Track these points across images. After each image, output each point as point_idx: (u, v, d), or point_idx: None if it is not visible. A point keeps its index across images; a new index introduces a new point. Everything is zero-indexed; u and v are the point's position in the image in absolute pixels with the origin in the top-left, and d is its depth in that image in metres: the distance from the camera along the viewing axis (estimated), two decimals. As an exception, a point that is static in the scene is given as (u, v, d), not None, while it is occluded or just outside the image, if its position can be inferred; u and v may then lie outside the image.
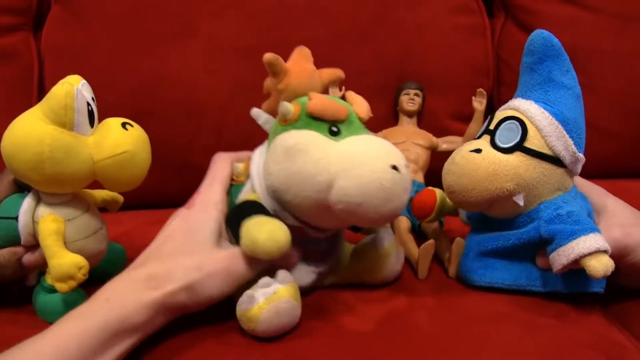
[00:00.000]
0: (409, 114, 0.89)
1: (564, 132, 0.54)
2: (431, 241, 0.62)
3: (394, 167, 0.49)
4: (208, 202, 0.55)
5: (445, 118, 0.95)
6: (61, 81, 0.49)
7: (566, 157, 0.54)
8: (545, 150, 0.54)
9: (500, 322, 0.53)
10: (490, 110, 0.94)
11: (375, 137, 0.53)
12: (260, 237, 0.47)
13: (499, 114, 0.58)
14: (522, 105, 0.56)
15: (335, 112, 0.52)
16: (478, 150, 0.56)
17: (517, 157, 0.54)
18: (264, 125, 0.57)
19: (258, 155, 0.56)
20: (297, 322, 0.51)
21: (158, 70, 0.88)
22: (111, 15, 0.89)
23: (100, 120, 0.53)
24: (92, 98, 0.52)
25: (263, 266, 0.51)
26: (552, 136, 0.54)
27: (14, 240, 0.53)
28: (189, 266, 0.49)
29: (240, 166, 0.57)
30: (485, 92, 0.89)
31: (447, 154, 0.86)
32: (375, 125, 0.89)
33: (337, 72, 0.59)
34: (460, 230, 0.64)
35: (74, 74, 0.53)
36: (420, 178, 0.83)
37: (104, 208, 0.62)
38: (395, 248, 0.61)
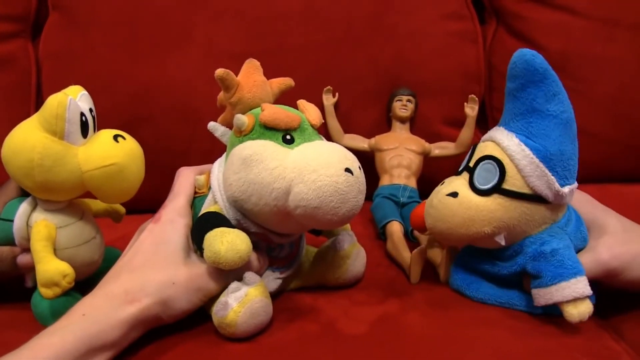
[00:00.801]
0: (402, 120, 0.90)
1: (546, 171, 0.52)
2: (423, 246, 0.63)
3: (348, 170, 0.50)
4: (173, 215, 0.56)
5: (437, 124, 0.95)
6: (61, 91, 0.50)
7: (549, 195, 0.52)
8: (526, 190, 0.52)
9: (492, 326, 0.54)
10: (482, 116, 0.96)
11: (328, 143, 0.55)
12: (222, 249, 0.49)
13: (480, 148, 0.56)
14: (503, 140, 0.54)
15: (288, 121, 0.53)
16: (454, 194, 0.55)
17: (494, 200, 0.53)
18: (221, 138, 0.58)
19: (217, 167, 0.57)
20: (271, 317, 0.53)
21: (154, 76, 0.88)
22: (108, 22, 0.89)
23: (98, 129, 0.54)
24: (91, 109, 0.53)
25: (233, 278, 0.53)
26: (532, 176, 0.52)
27: (12, 242, 0.54)
28: (161, 281, 0.50)
29: (201, 178, 0.59)
30: (477, 98, 0.90)
31: (440, 159, 0.88)
32: (368, 131, 0.91)
33: (286, 81, 0.61)
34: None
35: (71, 80, 0.54)
36: (413, 184, 0.83)
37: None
38: (356, 250, 0.62)
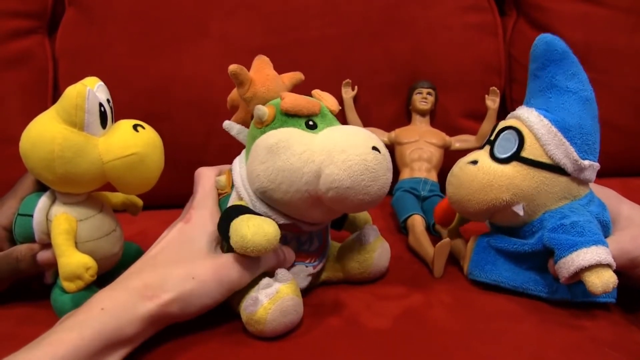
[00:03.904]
0: (422, 113, 0.89)
1: (564, 140, 0.53)
2: (446, 240, 0.62)
3: (375, 149, 0.50)
4: (205, 216, 0.55)
5: (458, 117, 0.95)
6: (79, 82, 0.50)
7: (568, 165, 0.53)
8: (544, 159, 0.53)
9: (518, 319, 0.53)
10: (503, 109, 0.95)
11: (351, 126, 0.55)
12: (248, 232, 0.48)
13: (501, 124, 0.57)
14: (523, 114, 0.55)
15: (310, 107, 0.53)
16: (474, 162, 0.56)
17: (513, 168, 0.54)
18: (237, 136, 0.58)
19: (238, 164, 0.56)
20: (301, 317, 0.52)
21: (171, 71, 0.88)
22: (124, 17, 0.89)
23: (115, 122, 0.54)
24: (108, 100, 0.53)
25: (257, 272, 0.52)
26: (550, 144, 0.53)
27: (31, 238, 0.54)
28: (182, 276, 0.49)
29: (222, 179, 0.58)
30: (498, 91, 0.90)
31: (461, 152, 0.87)
32: (387, 124, 0.90)
33: (297, 75, 0.61)
34: (476, 230, 0.64)
35: (88, 75, 0.54)
36: (434, 177, 0.83)
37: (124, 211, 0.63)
38: (381, 243, 0.61)
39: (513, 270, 0.57)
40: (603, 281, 0.48)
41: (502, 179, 0.54)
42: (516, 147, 0.54)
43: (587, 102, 0.54)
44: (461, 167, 0.57)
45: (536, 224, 0.55)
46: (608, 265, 0.49)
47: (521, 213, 0.54)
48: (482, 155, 0.57)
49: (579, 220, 0.52)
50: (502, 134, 0.56)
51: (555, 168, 0.53)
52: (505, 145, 0.55)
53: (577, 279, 0.50)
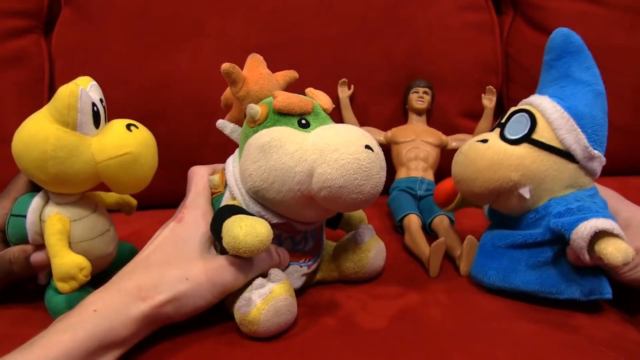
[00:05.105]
0: (418, 112, 0.89)
1: (576, 126, 0.53)
2: (442, 239, 0.62)
3: (368, 147, 0.50)
4: (197, 215, 0.55)
5: (454, 116, 0.95)
6: (71, 82, 0.50)
7: (577, 152, 0.53)
8: (555, 144, 0.53)
9: (514, 319, 0.53)
10: (499, 108, 0.94)
11: (344, 124, 0.54)
12: (240, 233, 0.47)
13: (513, 109, 0.57)
14: (535, 100, 0.55)
15: (302, 105, 0.53)
16: (485, 141, 0.56)
17: (524, 149, 0.53)
18: (231, 135, 0.58)
19: (232, 164, 0.56)
20: (295, 317, 0.52)
21: (168, 70, 0.88)
22: (121, 16, 0.89)
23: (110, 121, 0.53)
24: (101, 99, 0.53)
25: (251, 274, 0.52)
26: (562, 129, 0.53)
27: (25, 239, 0.54)
28: (175, 277, 0.49)
29: (216, 178, 0.58)
30: (494, 90, 0.90)
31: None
32: (384, 123, 0.90)
33: (290, 73, 0.61)
34: (472, 229, 0.64)
35: (84, 75, 0.54)
36: (430, 176, 0.83)
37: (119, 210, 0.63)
38: (376, 243, 0.61)
39: (515, 271, 0.56)
40: (621, 250, 0.46)
41: (512, 159, 0.53)
42: (528, 128, 0.54)
43: (599, 96, 0.55)
44: (471, 144, 0.57)
45: (541, 210, 0.55)
46: (619, 236, 0.48)
47: (527, 196, 0.54)
48: (493, 136, 0.56)
49: (586, 205, 0.52)
50: (513, 117, 0.56)
51: (565, 153, 0.53)
52: (517, 127, 0.55)
53: (596, 259, 0.48)
